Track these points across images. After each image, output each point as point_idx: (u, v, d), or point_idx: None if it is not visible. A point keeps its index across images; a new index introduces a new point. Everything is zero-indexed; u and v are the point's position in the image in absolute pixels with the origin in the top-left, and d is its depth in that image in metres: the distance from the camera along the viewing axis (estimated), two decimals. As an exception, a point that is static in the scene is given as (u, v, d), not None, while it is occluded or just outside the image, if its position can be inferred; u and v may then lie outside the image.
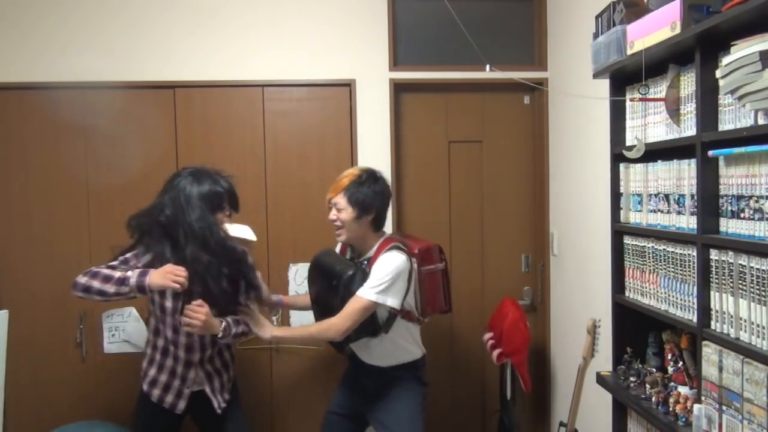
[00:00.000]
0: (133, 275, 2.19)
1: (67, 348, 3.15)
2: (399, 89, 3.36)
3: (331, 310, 2.38)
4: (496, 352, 3.06)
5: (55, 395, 3.17)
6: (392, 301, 2.35)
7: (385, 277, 2.33)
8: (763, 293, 1.55)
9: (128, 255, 2.31)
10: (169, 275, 2.17)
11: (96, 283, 2.19)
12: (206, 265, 2.24)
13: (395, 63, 3.34)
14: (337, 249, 2.66)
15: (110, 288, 2.18)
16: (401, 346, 2.52)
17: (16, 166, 3.15)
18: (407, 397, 2.53)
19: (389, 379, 2.53)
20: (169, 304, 2.31)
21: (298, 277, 3.27)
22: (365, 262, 2.46)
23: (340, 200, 2.42)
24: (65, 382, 3.17)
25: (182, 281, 2.18)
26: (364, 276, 2.38)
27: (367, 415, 2.60)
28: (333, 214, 2.45)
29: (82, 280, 2.22)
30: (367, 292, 2.33)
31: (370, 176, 2.46)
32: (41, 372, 3.16)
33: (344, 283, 2.38)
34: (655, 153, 2.05)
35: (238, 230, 2.49)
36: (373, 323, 2.41)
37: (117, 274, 2.20)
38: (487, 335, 3.14)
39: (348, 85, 3.30)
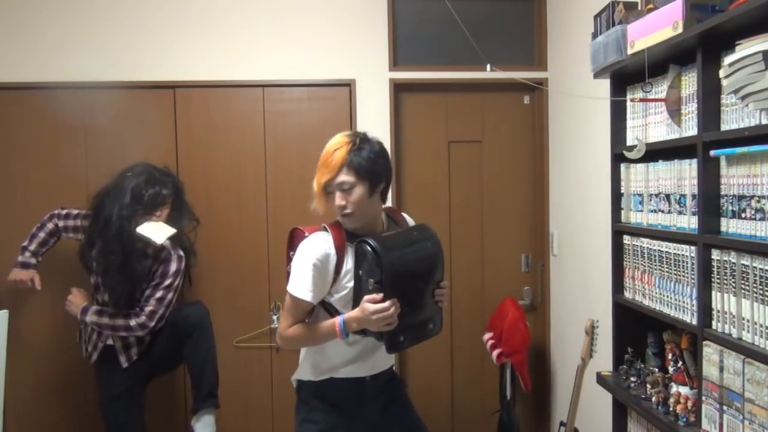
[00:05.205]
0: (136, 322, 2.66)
1: (67, 347, 3.14)
2: (399, 89, 3.36)
3: (425, 298, 1.98)
4: (496, 352, 3.06)
5: (55, 394, 3.16)
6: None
7: None
8: (766, 293, 1.55)
9: (74, 210, 2.86)
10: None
11: (107, 331, 2.69)
12: (111, 253, 2.61)
13: (395, 63, 3.34)
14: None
15: (122, 333, 2.67)
16: None
17: (17, 166, 3.15)
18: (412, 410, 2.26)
19: (391, 389, 2.21)
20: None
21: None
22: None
23: (346, 177, 1.89)
24: (65, 382, 3.16)
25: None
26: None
27: None
28: (340, 199, 1.92)
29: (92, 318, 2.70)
30: None
31: (362, 138, 1.97)
32: (41, 371, 3.15)
33: (435, 242, 1.97)
34: (656, 153, 2.05)
35: (149, 229, 2.64)
36: None
37: (119, 321, 2.64)
38: (487, 335, 3.15)
39: (348, 85, 3.30)
